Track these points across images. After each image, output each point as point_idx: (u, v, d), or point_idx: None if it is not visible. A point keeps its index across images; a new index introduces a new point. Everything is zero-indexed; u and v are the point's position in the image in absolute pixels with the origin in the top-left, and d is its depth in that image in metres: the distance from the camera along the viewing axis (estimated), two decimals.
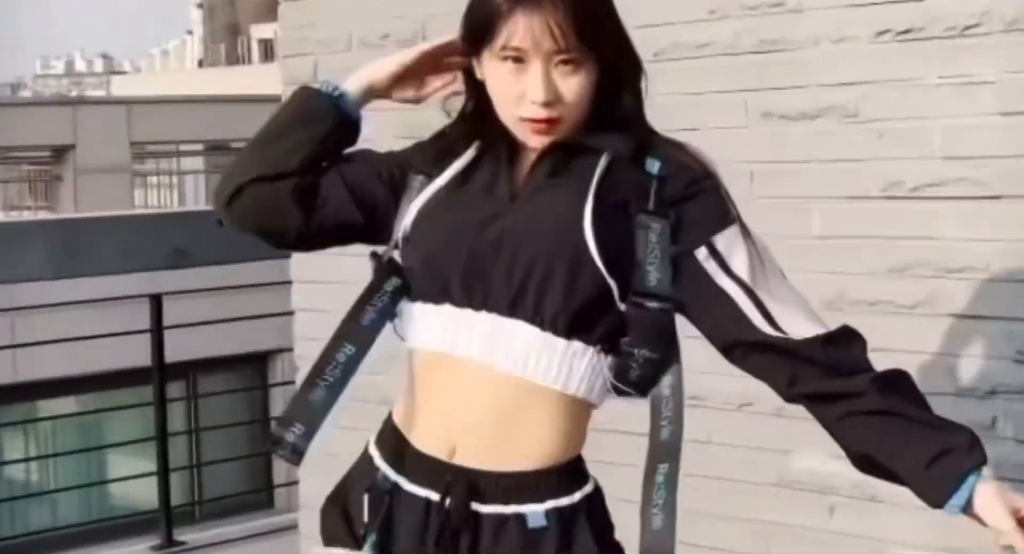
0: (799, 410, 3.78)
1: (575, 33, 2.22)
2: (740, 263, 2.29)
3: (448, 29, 4.52)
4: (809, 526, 3.83)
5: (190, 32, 51.63)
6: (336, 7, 4.89)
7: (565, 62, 2.25)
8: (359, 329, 2.40)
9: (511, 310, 2.25)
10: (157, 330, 7.43)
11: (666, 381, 2.33)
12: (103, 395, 10.21)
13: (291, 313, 5.19)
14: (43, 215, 19.56)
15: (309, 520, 5.13)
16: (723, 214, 2.32)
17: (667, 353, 2.31)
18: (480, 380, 2.28)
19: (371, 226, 2.44)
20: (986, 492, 2.21)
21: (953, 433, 2.26)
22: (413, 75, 2.52)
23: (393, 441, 2.40)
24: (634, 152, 2.30)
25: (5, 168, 23.32)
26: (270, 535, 7.21)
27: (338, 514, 2.45)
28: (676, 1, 3.98)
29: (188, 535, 7.26)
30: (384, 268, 2.41)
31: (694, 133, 3.94)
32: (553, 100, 2.24)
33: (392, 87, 2.52)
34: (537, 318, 2.24)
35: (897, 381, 2.30)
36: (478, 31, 2.30)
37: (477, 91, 2.38)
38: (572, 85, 2.26)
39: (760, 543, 3.95)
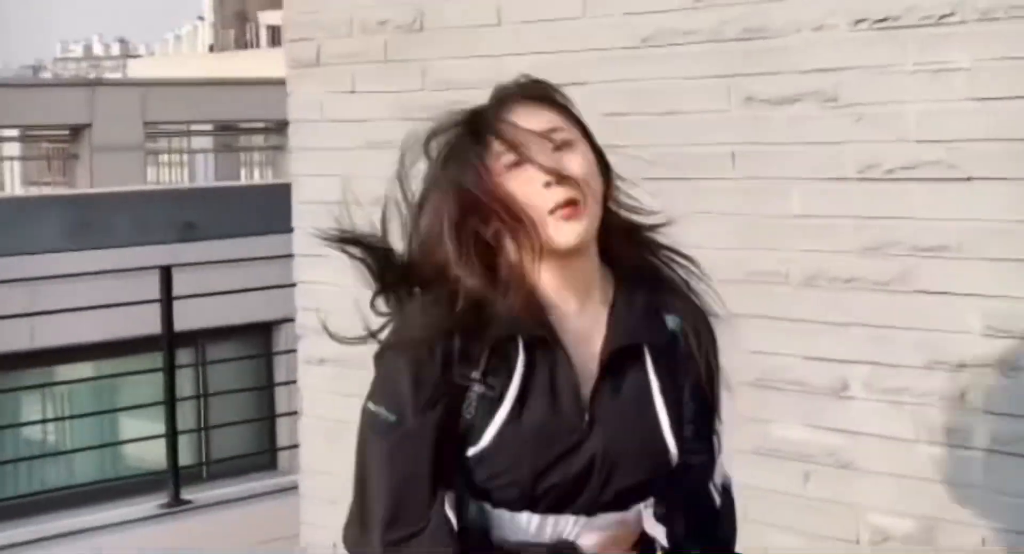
0: (777, 382, 3.79)
1: (564, 114, 2.30)
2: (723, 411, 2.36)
3: (442, 15, 4.52)
4: (785, 492, 3.82)
5: (201, 18, 51.60)
6: None
7: (564, 143, 2.25)
8: None
9: (596, 511, 2.27)
10: (167, 300, 7.42)
11: None
12: (116, 361, 10.18)
13: (293, 285, 5.16)
14: (60, 190, 19.51)
15: (309, 482, 5.13)
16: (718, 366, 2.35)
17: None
18: None
19: None
20: None
21: None
22: None
23: None
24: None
25: (25, 146, 23.20)
26: (272, 495, 7.20)
27: None
28: None
29: (195, 494, 7.24)
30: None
31: (677, 116, 3.95)
32: (565, 173, 2.20)
33: None
34: (619, 508, 2.29)
35: None
36: (466, 156, 2.25)
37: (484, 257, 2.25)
38: (578, 159, 2.24)
39: (739, 506, 3.92)
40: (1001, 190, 3.42)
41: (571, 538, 2.25)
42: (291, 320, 5.53)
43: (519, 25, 4.25)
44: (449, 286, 2.21)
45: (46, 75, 43.14)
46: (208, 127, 23.80)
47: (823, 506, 3.77)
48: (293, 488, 5.63)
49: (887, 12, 3.57)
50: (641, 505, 2.28)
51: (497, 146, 2.21)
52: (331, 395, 4.95)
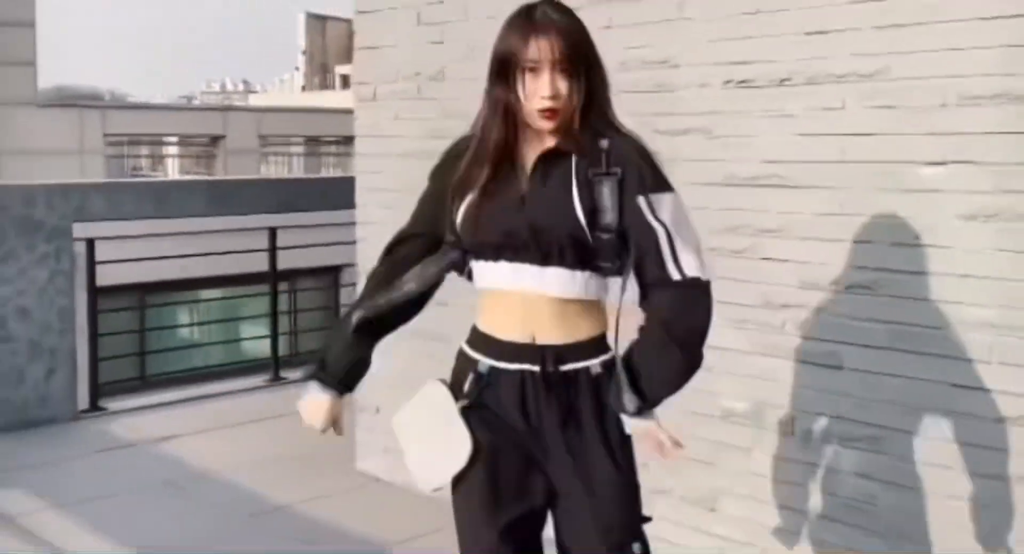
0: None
1: (571, 52, 2.21)
2: (666, 214, 2.25)
3: (456, 69, 4.46)
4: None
5: (297, 68, 51.34)
6: (387, 55, 4.81)
7: (562, 71, 2.21)
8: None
9: (544, 262, 2.24)
10: (272, 249, 7.41)
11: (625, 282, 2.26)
12: (239, 288, 10.15)
13: (354, 242, 5.13)
14: (202, 176, 19.52)
15: None
16: (658, 182, 2.27)
17: (620, 263, 2.25)
18: (538, 300, 2.26)
19: None
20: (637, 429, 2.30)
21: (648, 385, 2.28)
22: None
23: (483, 341, 2.34)
24: (592, 142, 2.25)
25: (181, 148, 23.17)
26: None
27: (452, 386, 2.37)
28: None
29: (288, 373, 7.21)
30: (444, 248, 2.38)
31: None
32: (555, 95, 2.20)
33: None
34: (562, 264, 2.24)
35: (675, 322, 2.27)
36: (507, 54, 2.24)
37: (497, 112, 2.28)
38: (568, 87, 2.22)
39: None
40: (813, 194, 3.41)
41: (535, 284, 2.26)
42: (351, 265, 5.53)
43: None
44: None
45: (196, 102, 42.85)
46: (301, 139, 23.83)
47: (692, 393, 3.74)
48: None
49: (745, 77, 3.55)
50: (578, 272, 2.26)
51: (524, 55, 2.21)
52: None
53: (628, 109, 3.84)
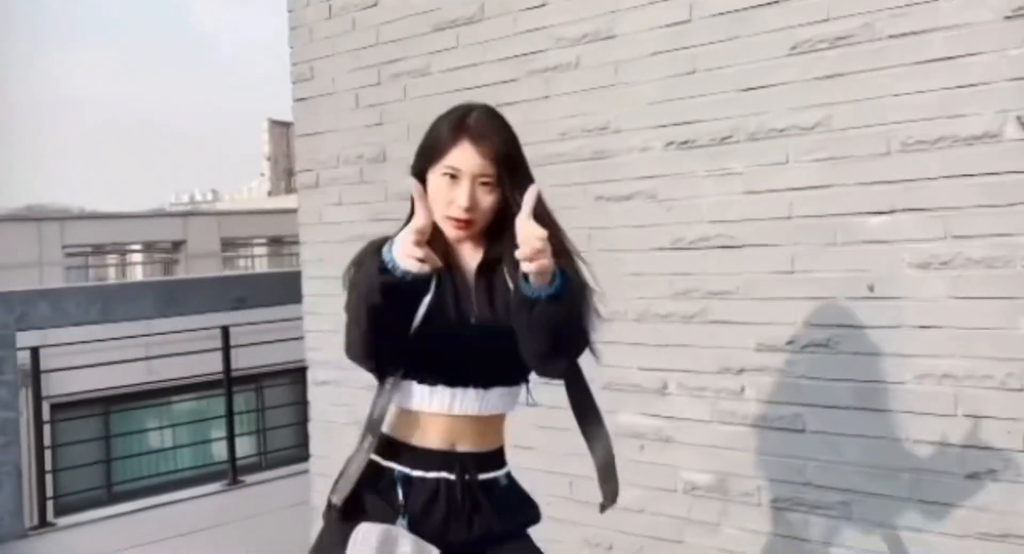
0: (621, 385, 3.66)
1: (496, 166, 2.17)
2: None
3: (400, 150, 4.40)
4: (628, 458, 3.68)
5: (262, 174, 51.81)
6: (328, 140, 4.75)
7: (484, 184, 2.16)
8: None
9: (488, 385, 2.21)
10: (225, 349, 7.29)
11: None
12: (199, 392, 9.96)
13: (301, 337, 5.02)
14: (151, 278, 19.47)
15: (316, 462, 4.94)
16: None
17: None
18: (470, 418, 2.22)
19: None
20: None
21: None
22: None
23: (395, 449, 2.23)
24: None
25: (146, 256, 23.08)
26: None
27: (370, 503, 2.21)
28: (540, 127, 3.84)
29: (248, 477, 7.04)
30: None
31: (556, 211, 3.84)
32: (473, 207, 2.15)
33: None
34: (506, 383, 2.23)
35: None
36: (431, 154, 2.19)
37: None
38: (487, 200, 2.17)
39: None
40: (762, 252, 3.33)
41: (475, 407, 2.20)
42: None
43: None
44: None
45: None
46: (263, 240, 23.78)
47: (652, 468, 3.64)
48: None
49: (687, 137, 3.49)
50: (515, 387, 2.26)
51: (447, 160, 2.17)
52: (329, 405, 4.80)
53: (570, 178, 3.81)
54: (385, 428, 2.24)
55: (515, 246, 1.97)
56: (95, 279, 21.96)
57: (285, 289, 7.46)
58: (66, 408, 8.87)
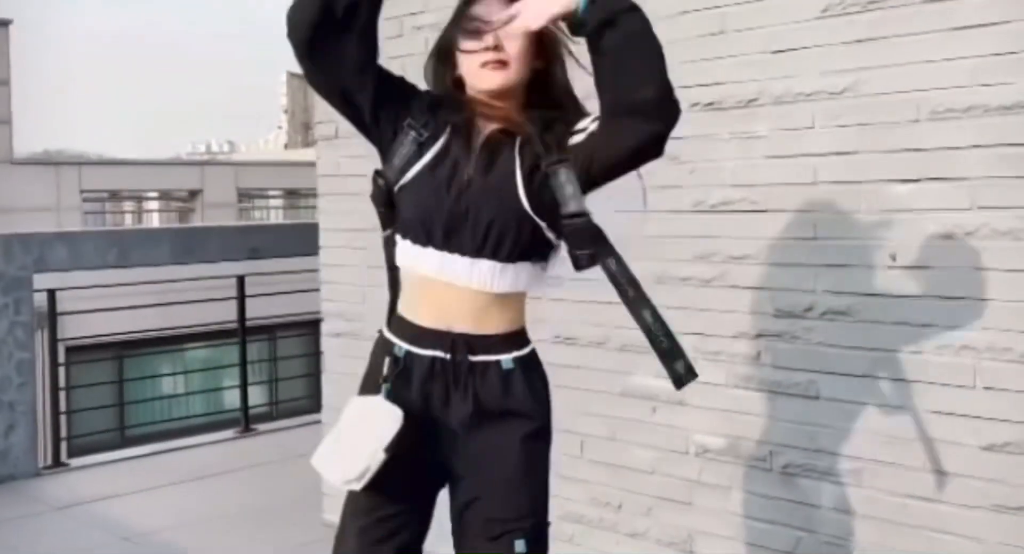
0: (637, 347, 3.64)
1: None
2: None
3: None
4: (640, 420, 3.68)
5: (280, 127, 51.76)
6: None
7: (510, 35, 2.15)
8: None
9: (477, 253, 2.16)
10: (241, 298, 7.30)
11: (610, 263, 2.18)
12: (213, 340, 9.96)
13: (317, 290, 5.01)
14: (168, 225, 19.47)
15: (327, 414, 4.95)
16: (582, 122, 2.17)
17: (597, 248, 2.16)
18: (462, 291, 2.18)
19: (361, 117, 2.25)
20: None
21: None
22: None
23: (401, 325, 2.26)
24: (542, 127, 2.17)
25: (162, 203, 23.08)
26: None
27: (367, 381, 2.28)
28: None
29: (260, 425, 7.08)
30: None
31: None
32: (498, 46, 2.15)
33: None
34: (495, 256, 2.16)
35: None
36: (454, 21, 2.23)
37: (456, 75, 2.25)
38: (516, 42, 2.15)
39: (608, 430, 3.79)
40: (784, 218, 3.29)
41: (462, 276, 2.17)
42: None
43: None
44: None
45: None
46: (279, 192, 23.75)
47: (664, 430, 3.63)
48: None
49: (712, 99, 3.45)
50: (510, 265, 2.19)
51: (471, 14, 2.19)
52: (342, 357, 4.80)
53: None
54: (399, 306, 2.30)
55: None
56: (112, 225, 22.01)
57: (301, 241, 7.47)
58: (81, 351, 8.88)
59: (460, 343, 2.19)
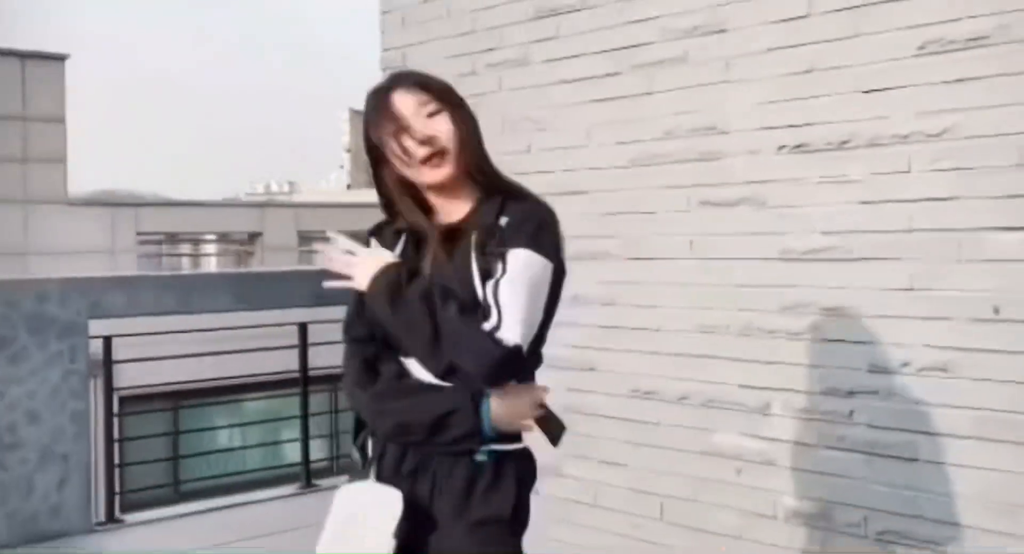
0: (720, 403, 3.64)
1: (431, 92, 2.24)
2: (514, 265, 2.14)
3: (494, 144, 4.44)
4: (723, 481, 3.66)
5: (341, 166, 52.57)
6: None
7: (432, 114, 2.22)
8: None
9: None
10: (303, 346, 7.38)
11: None
12: (273, 390, 10.04)
13: None
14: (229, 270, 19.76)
15: None
16: (533, 241, 2.16)
17: None
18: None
19: None
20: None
21: None
22: None
23: None
24: (491, 216, 2.21)
25: (221, 246, 23.43)
26: None
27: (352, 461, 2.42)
28: (642, 125, 3.85)
29: (321, 481, 7.12)
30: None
31: (654, 215, 3.84)
32: (432, 137, 2.20)
33: None
34: None
35: None
36: (373, 127, 2.30)
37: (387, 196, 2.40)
38: (443, 126, 2.21)
39: (689, 491, 3.78)
40: (877, 267, 3.29)
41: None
42: None
43: (541, 152, 4.14)
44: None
45: None
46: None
47: (751, 492, 3.62)
48: None
49: (801, 141, 3.47)
50: None
51: (391, 116, 2.23)
52: None
53: (673, 181, 3.80)
54: None
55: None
56: (167, 268, 22.37)
57: None
58: (135, 401, 9.01)
59: None
